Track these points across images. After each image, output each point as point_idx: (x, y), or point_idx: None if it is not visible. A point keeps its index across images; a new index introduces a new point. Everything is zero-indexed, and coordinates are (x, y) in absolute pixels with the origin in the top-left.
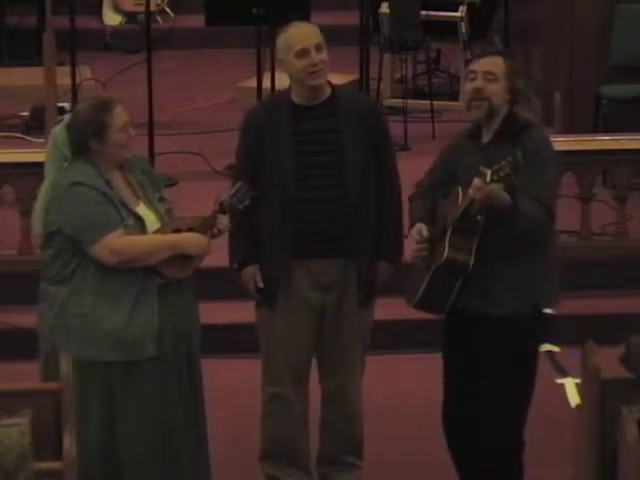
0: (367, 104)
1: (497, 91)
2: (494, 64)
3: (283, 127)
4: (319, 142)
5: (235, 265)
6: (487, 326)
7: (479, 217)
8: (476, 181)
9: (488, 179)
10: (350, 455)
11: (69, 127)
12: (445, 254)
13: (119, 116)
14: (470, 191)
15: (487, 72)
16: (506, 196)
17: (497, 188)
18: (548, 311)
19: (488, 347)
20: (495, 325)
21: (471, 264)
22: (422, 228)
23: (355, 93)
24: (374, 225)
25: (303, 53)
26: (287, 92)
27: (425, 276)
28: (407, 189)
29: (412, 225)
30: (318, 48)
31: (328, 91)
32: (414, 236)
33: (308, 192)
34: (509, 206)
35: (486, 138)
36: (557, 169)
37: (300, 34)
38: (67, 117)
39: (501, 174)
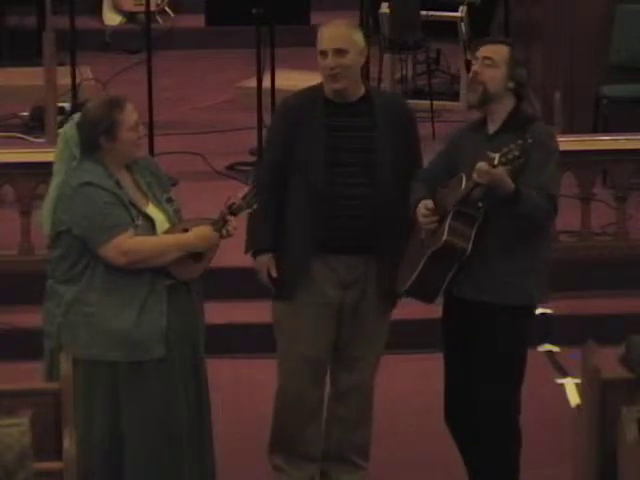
0: (401, 105)
1: (494, 76)
2: (495, 50)
3: (317, 121)
4: (351, 139)
5: (251, 251)
6: (482, 314)
7: (480, 204)
8: (482, 164)
9: (496, 162)
10: (355, 455)
11: (80, 125)
12: (444, 237)
13: (130, 114)
14: (474, 174)
15: (486, 57)
16: (509, 182)
17: (502, 173)
18: (548, 311)
19: (483, 334)
20: (489, 313)
21: (468, 251)
22: (428, 202)
23: (390, 94)
24: (399, 226)
25: (322, 54)
26: (321, 86)
27: (418, 263)
28: None
29: (414, 207)
30: (338, 52)
31: (361, 90)
32: (421, 210)
33: (337, 188)
34: (512, 192)
35: (492, 129)
36: (558, 163)
37: (326, 35)
38: (77, 115)
39: (509, 157)
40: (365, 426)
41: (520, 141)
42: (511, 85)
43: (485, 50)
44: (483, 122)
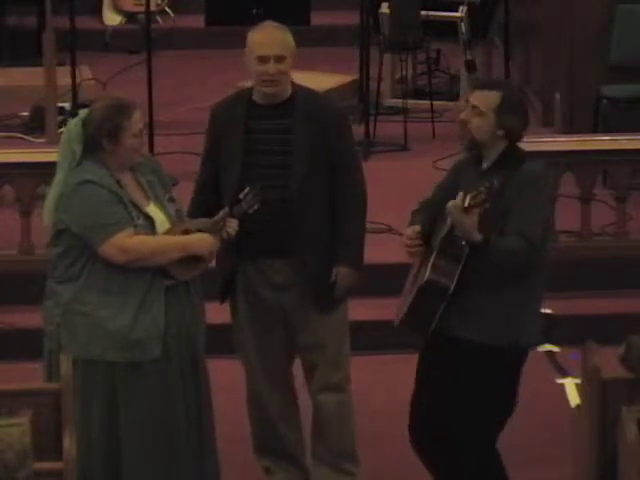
0: (326, 108)
1: (481, 126)
2: (483, 98)
3: (238, 124)
4: (268, 142)
5: None
6: (466, 352)
7: (464, 243)
8: (449, 205)
9: (466, 204)
10: (343, 461)
11: (85, 122)
12: (427, 275)
13: (137, 122)
14: (447, 215)
15: (474, 106)
16: (476, 235)
17: (469, 223)
18: (548, 311)
19: (466, 372)
20: (474, 353)
21: (451, 289)
22: (415, 226)
23: (317, 96)
24: (326, 228)
25: (263, 60)
26: (250, 89)
27: (410, 297)
28: (405, 189)
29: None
30: (279, 59)
31: (288, 92)
32: (407, 233)
33: None
34: (480, 241)
35: (485, 165)
36: (549, 204)
37: (265, 41)
38: (83, 111)
39: (477, 200)
40: (345, 430)
41: (487, 184)
42: (500, 133)
43: (474, 97)
44: (479, 157)
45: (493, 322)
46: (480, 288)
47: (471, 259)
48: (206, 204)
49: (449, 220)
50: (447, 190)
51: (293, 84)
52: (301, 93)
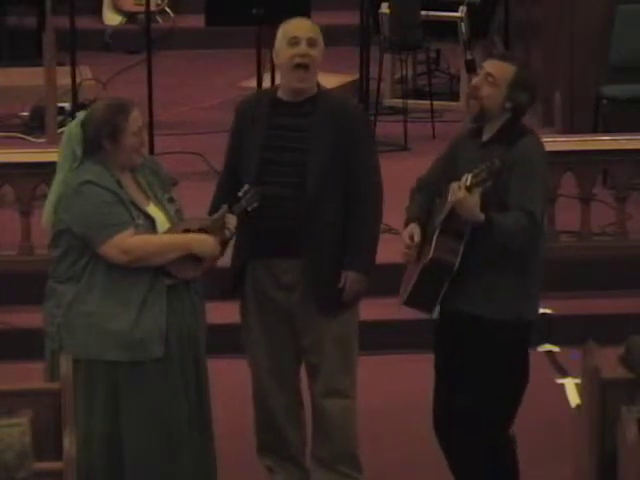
0: (347, 110)
1: (492, 95)
2: (500, 68)
3: (260, 120)
4: (287, 139)
5: None
6: (473, 328)
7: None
8: (454, 185)
9: (468, 183)
10: (345, 466)
11: (84, 124)
12: (431, 253)
13: (135, 120)
14: (450, 195)
15: (489, 73)
16: (479, 214)
17: (472, 202)
18: (548, 311)
19: (474, 349)
20: (480, 327)
21: (456, 266)
22: (414, 232)
23: (339, 98)
24: (337, 230)
25: (294, 41)
26: (276, 88)
27: (414, 276)
28: (406, 189)
29: (407, 223)
30: (311, 42)
31: (314, 90)
32: (405, 238)
33: (267, 188)
34: (483, 221)
35: (486, 137)
36: (546, 177)
37: (297, 25)
38: (82, 113)
39: (479, 178)
40: (348, 436)
41: (488, 163)
42: (508, 105)
43: (490, 65)
44: (480, 129)
45: (497, 297)
46: (484, 265)
47: (474, 237)
48: (226, 201)
49: (451, 199)
50: (445, 164)
51: (318, 84)
52: (324, 93)
